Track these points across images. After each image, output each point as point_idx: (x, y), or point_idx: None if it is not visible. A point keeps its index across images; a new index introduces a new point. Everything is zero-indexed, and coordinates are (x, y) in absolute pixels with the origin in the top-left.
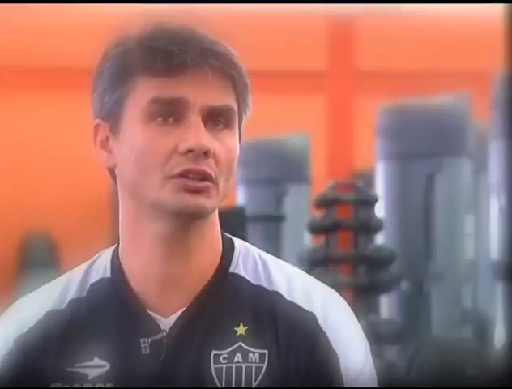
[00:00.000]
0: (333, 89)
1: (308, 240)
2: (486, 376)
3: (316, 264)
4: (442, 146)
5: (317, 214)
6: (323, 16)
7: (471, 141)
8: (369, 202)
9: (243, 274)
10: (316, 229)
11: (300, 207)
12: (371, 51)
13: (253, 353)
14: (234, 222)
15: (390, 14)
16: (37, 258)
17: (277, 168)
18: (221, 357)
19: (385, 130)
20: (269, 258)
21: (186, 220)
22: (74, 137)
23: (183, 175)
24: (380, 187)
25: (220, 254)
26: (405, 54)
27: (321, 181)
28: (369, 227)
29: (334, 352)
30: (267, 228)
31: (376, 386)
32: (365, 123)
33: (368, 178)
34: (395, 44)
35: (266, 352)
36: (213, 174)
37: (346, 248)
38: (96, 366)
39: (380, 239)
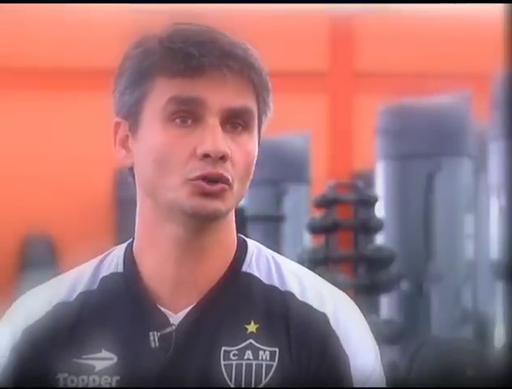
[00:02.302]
0: (333, 89)
1: (308, 240)
2: (486, 376)
3: (316, 264)
4: (442, 146)
5: (317, 214)
6: (323, 16)
7: (471, 141)
8: (369, 202)
9: (256, 273)
10: (316, 229)
11: (300, 207)
12: (371, 51)
13: (264, 351)
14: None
15: (390, 14)
16: (37, 260)
17: (277, 168)
18: (231, 354)
19: (385, 130)
20: (281, 259)
21: (201, 222)
22: (75, 139)
23: (201, 179)
24: (380, 187)
25: (234, 254)
26: (405, 54)
27: (321, 181)
28: (369, 227)
29: (345, 353)
30: (267, 228)
31: None
32: (365, 123)
33: (368, 178)
34: (395, 44)
35: (276, 350)
36: (230, 178)
37: (346, 248)
38: (103, 358)
39: (380, 239)
